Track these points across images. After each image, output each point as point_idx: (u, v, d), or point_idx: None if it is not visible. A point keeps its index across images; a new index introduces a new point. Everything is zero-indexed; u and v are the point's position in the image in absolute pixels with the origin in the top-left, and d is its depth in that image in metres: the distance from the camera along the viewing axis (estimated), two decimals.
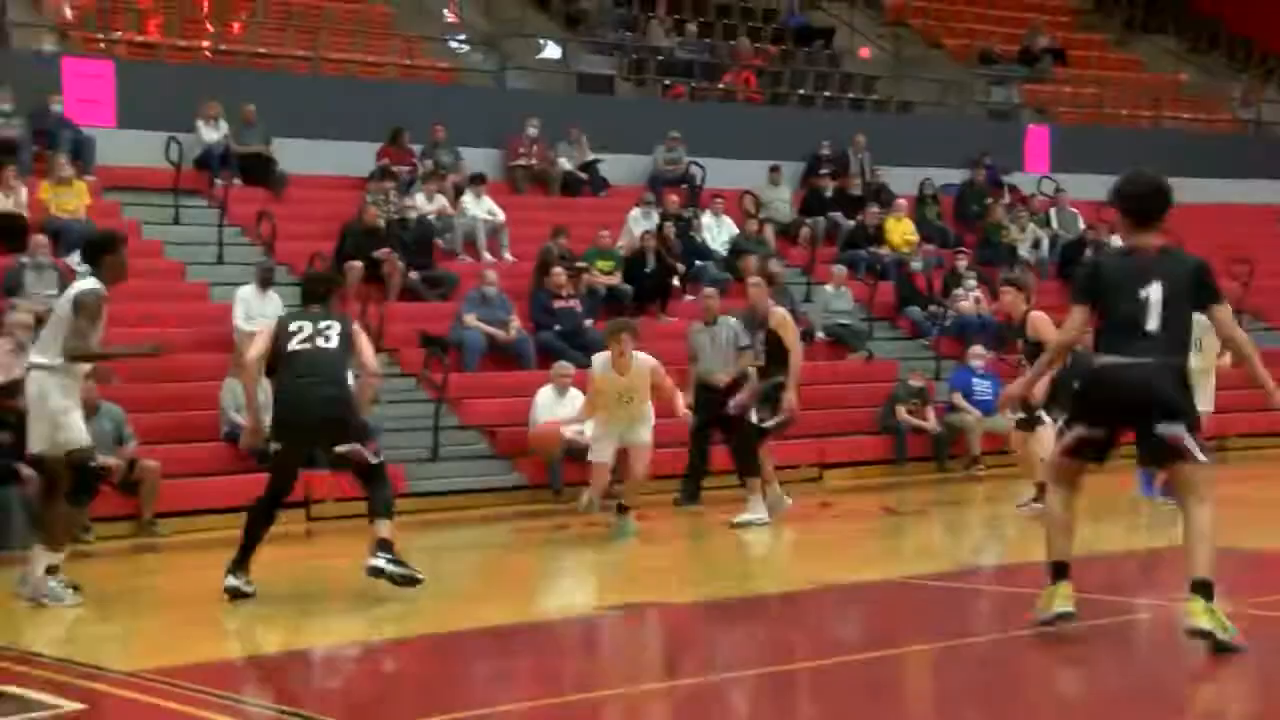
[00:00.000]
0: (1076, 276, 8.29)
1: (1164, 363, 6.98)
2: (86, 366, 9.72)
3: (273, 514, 9.72)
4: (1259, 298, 22.60)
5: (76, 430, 9.43)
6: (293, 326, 9.51)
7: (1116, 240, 23.26)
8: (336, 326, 9.46)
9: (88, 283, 9.65)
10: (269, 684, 7.25)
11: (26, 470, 12.96)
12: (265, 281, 16.56)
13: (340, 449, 9.31)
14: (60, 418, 9.37)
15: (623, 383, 12.33)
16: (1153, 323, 6.95)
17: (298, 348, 9.30)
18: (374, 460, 9.35)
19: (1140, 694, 6.31)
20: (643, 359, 12.37)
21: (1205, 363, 12.41)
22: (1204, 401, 11.65)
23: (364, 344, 9.74)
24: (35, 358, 9.62)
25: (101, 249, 9.85)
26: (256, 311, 16.15)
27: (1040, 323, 12.13)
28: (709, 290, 15.29)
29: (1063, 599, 7.03)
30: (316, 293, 10.06)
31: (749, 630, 8.37)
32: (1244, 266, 22.69)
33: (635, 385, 12.34)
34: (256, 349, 9.62)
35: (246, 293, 16.40)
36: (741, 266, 18.30)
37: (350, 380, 9.65)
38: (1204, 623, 6.50)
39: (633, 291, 18.66)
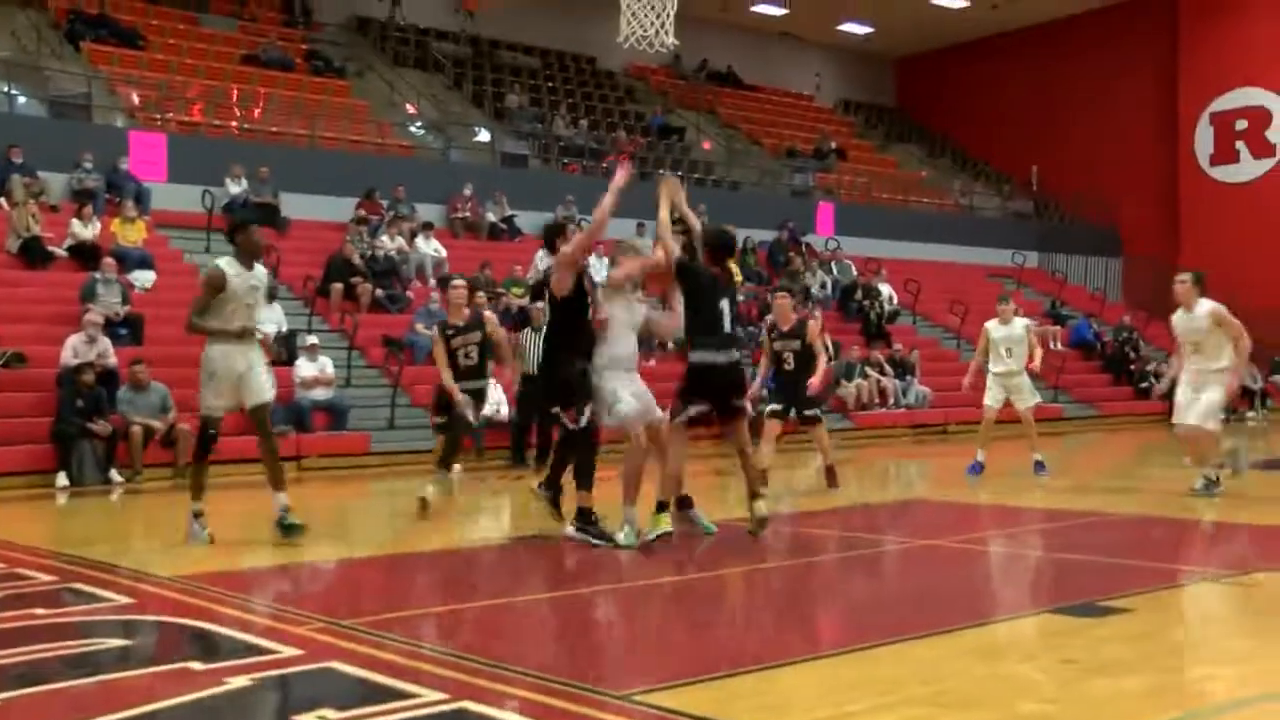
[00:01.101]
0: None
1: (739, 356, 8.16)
2: (229, 337, 8.32)
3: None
4: (971, 328, 23.14)
5: (202, 399, 8.56)
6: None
7: (884, 286, 23.98)
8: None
9: (218, 260, 8.53)
10: (268, 588, 7.23)
11: (98, 425, 12.90)
12: (271, 296, 16.37)
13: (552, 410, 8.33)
14: (202, 387, 8.52)
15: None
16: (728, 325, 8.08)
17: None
18: (571, 426, 8.07)
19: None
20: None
21: (1018, 365, 12.55)
22: (1030, 397, 12.66)
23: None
24: None
25: (234, 230, 8.75)
26: (263, 318, 15.98)
27: (815, 326, 12.09)
28: (539, 304, 15.08)
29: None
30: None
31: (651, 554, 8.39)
32: (961, 307, 23.30)
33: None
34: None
35: None
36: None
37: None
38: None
39: (543, 310, 18.63)
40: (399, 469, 14.76)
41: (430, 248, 19.81)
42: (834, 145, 31.07)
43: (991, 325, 12.82)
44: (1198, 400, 10.12)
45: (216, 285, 8.27)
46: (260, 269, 8.68)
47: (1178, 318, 10.41)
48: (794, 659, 4.89)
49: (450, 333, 10.39)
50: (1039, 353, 12.78)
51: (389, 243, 19.39)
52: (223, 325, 8.31)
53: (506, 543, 9.19)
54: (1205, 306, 10.18)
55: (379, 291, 18.06)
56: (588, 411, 7.95)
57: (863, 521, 9.95)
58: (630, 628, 5.89)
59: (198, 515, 8.47)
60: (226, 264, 8.36)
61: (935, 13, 32.10)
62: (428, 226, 20.36)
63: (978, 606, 6.26)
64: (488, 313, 10.99)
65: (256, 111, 21.77)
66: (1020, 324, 12.74)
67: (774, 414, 11.68)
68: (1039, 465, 12.47)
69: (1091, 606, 5.64)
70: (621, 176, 8.07)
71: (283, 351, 15.60)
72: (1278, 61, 28.58)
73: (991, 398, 12.68)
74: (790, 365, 11.50)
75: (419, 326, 17.09)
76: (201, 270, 8.66)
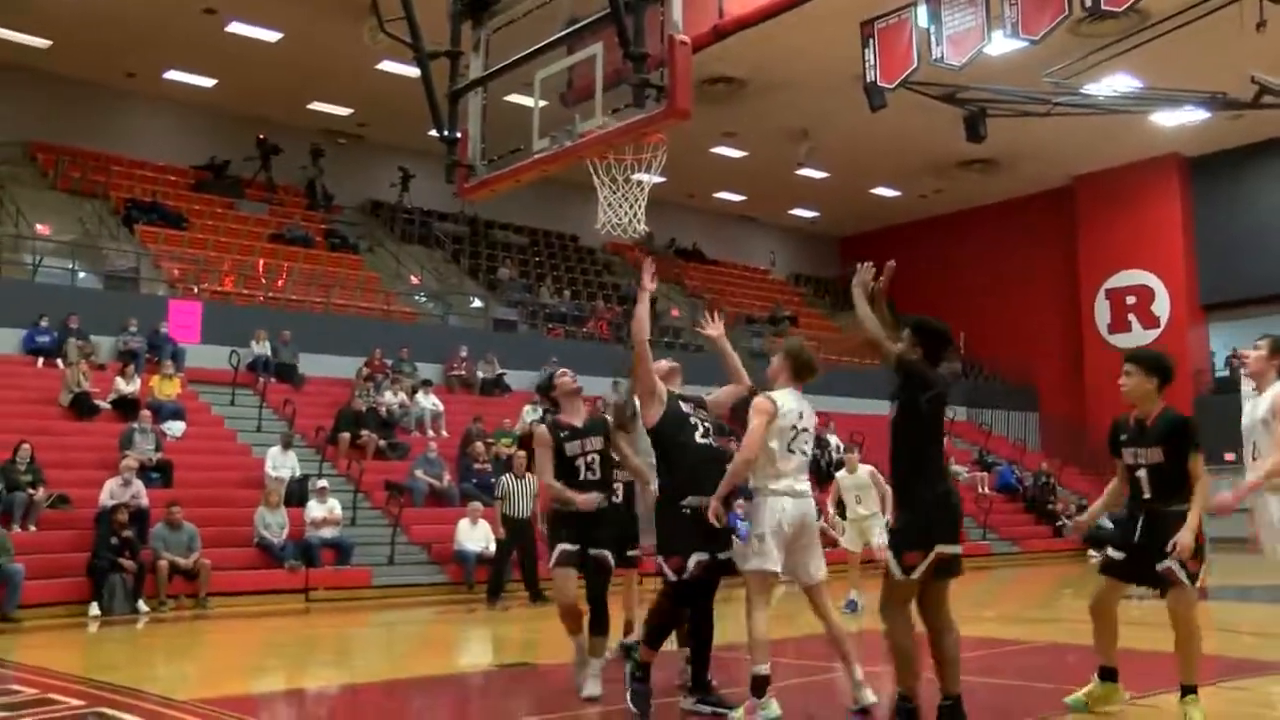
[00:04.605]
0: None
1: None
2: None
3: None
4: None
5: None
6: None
7: (832, 437, 24.11)
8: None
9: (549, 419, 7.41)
10: (277, 710, 7.13)
11: (127, 561, 12.79)
12: (286, 444, 16.46)
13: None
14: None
15: None
16: None
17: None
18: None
19: None
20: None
21: (867, 509, 11.98)
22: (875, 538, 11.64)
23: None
24: None
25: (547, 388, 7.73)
26: (280, 464, 16.08)
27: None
28: (520, 454, 14.84)
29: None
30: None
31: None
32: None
33: None
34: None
35: (274, 451, 16.26)
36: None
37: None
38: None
39: (525, 458, 18.64)
40: (398, 601, 14.60)
41: (429, 402, 19.87)
42: (787, 312, 31.57)
43: (840, 475, 12.46)
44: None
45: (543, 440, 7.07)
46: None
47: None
48: None
49: (564, 435, 6.98)
50: (889, 498, 12.15)
51: (392, 397, 19.45)
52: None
53: (494, 669, 9.08)
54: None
55: (382, 441, 18.07)
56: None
57: (817, 650, 9.88)
58: None
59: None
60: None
61: (873, 200, 33.08)
62: (427, 383, 20.45)
63: None
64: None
65: (280, 282, 22.06)
66: (865, 470, 12.16)
67: None
68: (852, 605, 11.81)
69: None
70: (648, 278, 6.59)
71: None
72: (1155, 247, 29.61)
73: (849, 541, 12.22)
74: None
75: (418, 473, 17.10)
76: (539, 425, 7.84)
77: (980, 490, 24.67)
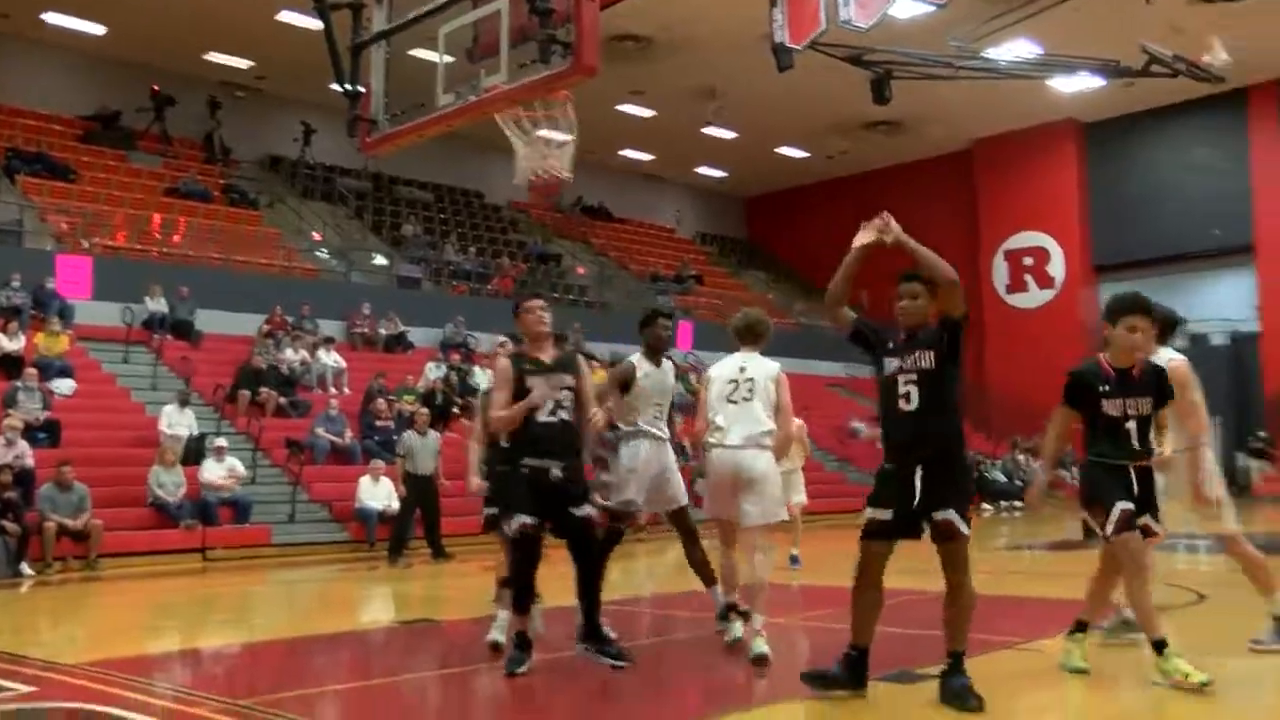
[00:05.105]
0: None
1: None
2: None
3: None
4: (811, 430, 23.55)
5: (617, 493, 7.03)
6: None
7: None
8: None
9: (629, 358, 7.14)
10: (171, 671, 6.98)
11: (9, 524, 12.35)
12: (183, 402, 16.06)
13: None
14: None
15: None
16: None
17: None
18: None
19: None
20: None
21: (792, 464, 11.53)
22: (799, 493, 11.63)
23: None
24: None
25: (643, 325, 7.13)
26: (176, 422, 15.70)
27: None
28: (423, 410, 15.12)
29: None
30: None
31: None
32: (805, 412, 23.66)
33: None
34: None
35: (170, 409, 15.83)
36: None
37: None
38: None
39: (428, 415, 18.51)
40: (298, 560, 14.39)
41: (330, 359, 19.56)
42: (692, 271, 31.70)
43: None
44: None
45: (617, 378, 6.98)
46: (668, 364, 7.16)
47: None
48: None
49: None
50: (808, 451, 12.11)
51: (293, 355, 19.09)
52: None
53: (396, 626, 9.00)
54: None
55: (282, 399, 17.73)
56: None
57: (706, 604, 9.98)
58: (511, 706, 5.83)
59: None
60: (637, 360, 7.02)
61: (780, 160, 33.25)
62: (328, 340, 20.13)
63: None
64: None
65: (176, 237, 21.41)
66: (796, 424, 11.25)
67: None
68: (794, 559, 11.87)
69: (907, 674, 5.77)
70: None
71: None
72: (1052, 210, 30.34)
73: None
74: None
75: (319, 430, 16.85)
76: (616, 364, 7.45)
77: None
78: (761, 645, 6.27)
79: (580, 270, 29.38)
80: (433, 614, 9.38)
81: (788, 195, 36.45)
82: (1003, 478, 25.36)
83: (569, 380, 6.14)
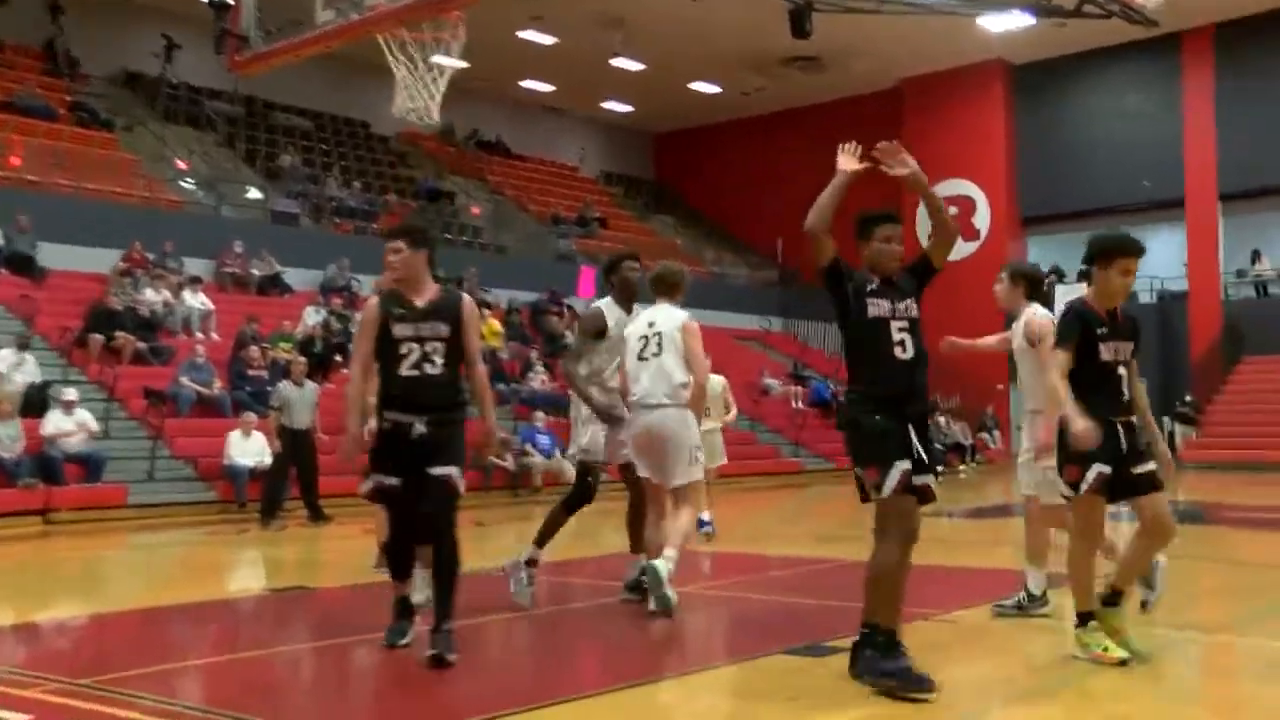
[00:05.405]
0: None
1: None
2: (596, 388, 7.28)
3: None
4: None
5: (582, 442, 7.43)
6: None
7: None
8: None
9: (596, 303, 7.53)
10: (2, 647, 6.72)
11: None
12: (22, 345, 15.55)
13: None
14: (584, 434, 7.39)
15: None
16: None
17: None
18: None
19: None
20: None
21: (714, 423, 11.32)
22: (718, 456, 11.37)
23: None
24: None
25: (608, 271, 7.52)
26: (12, 366, 15.21)
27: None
28: (301, 359, 14.87)
29: None
30: None
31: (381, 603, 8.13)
32: (716, 369, 23.82)
33: None
34: None
35: (5, 354, 15.34)
36: None
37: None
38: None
39: (305, 364, 18.18)
40: (158, 522, 14.09)
41: (197, 301, 19.11)
42: (596, 213, 31.54)
43: None
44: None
45: (586, 326, 7.34)
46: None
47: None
48: (542, 703, 4.86)
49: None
50: (733, 411, 12.02)
51: (154, 295, 18.59)
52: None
53: (266, 594, 8.84)
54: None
55: (142, 344, 17.26)
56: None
57: (614, 570, 10.01)
58: (385, 679, 5.75)
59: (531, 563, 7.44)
60: (606, 306, 7.39)
61: (692, 95, 33.14)
62: (195, 280, 19.65)
63: (716, 649, 6.51)
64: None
65: (14, 159, 20.53)
66: (717, 381, 11.12)
67: None
68: (704, 523, 11.18)
69: (817, 647, 5.83)
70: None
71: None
72: (979, 157, 30.81)
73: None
74: None
75: (184, 379, 16.46)
76: (585, 312, 7.61)
77: (794, 405, 25.45)
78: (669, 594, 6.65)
79: (475, 210, 29.08)
80: (308, 581, 9.29)
81: (699, 133, 36.42)
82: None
83: (442, 329, 5.77)
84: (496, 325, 22.61)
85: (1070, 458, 5.37)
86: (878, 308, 5.19)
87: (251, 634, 7.13)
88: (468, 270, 23.68)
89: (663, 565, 6.69)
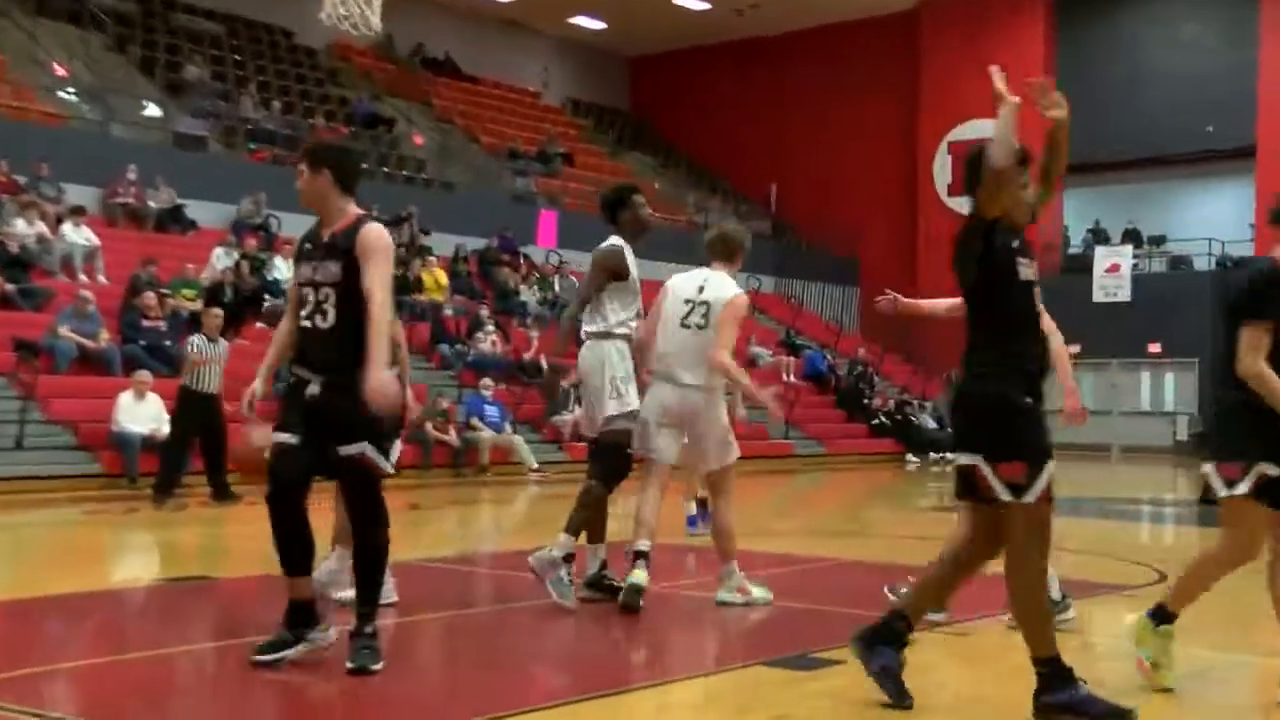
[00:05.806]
0: None
1: None
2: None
3: None
4: None
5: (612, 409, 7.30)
6: None
7: None
8: None
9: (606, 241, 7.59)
10: None
11: None
12: None
13: None
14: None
15: None
16: None
17: None
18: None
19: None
20: None
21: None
22: None
23: None
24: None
25: (615, 206, 7.68)
26: None
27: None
28: (216, 311, 14.71)
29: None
30: None
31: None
32: None
33: None
34: None
35: None
36: None
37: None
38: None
39: (219, 316, 18.09)
40: (29, 498, 14.00)
41: (80, 236, 19.03)
42: (560, 148, 31.47)
43: None
44: None
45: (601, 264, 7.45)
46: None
47: None
48: (484, 716, 4.83)
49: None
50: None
51: (26, 227, 18.50)
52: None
53: (160, 584, 8.78)
54: None
55: (10, 285, 17.20)
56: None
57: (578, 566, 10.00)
58: (298, 685, 5.71)
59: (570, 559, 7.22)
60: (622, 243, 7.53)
61: (675, 12, 33.04)
62: (78, 211, 19.52)
63: (693, 659, 6.51)
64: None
65: None
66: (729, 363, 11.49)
67: None
68: (693, 521, 11.40)
69: (804, 659, 5.84)
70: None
71: None
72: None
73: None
74: None
75: (63, 329, 16.36)
76: (600, 249, 7.60)
77: (785, 378, 25.49)
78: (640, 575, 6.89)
79: (418, 139, 29.00)
80: (211, 570, 9.28)
81: (683, 57, 36.30)
82: (933, 424, 26.05)
83: (333, 269, 5.45)
84: (441, 276, 22.53)
85: (1233, 452, 5.14)
86: (1027, 270, 4.92)
87: (141, 632, 7.10)
88: (407, 209, 23.57)
89: (643, 576, 6.91)
